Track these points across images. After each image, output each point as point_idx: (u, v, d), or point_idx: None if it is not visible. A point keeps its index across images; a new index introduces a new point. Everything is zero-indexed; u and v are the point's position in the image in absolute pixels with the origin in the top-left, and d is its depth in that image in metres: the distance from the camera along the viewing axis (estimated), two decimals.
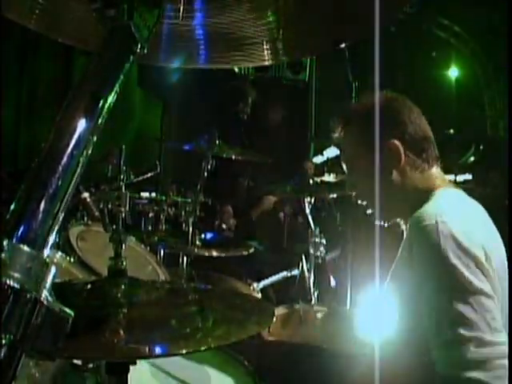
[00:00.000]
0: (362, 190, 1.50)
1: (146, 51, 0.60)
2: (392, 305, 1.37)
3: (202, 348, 0.84)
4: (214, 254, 2.84)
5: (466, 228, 1.23)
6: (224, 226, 4.06)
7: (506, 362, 1.11)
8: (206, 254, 2.70)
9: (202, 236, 2.95)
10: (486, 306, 1.14)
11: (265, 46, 0.77)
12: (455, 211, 1.28)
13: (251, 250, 2.81)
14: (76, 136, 0.53)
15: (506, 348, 1.13)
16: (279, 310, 2.31)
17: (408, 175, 1.41)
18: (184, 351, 0.81)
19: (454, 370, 1.13)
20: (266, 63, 0.82)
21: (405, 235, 1.42)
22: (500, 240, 1.31)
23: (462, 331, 1.12)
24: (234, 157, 3.15)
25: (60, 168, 0.52)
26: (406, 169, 1.40)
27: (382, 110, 1.39)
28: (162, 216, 3.25)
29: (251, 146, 4.64)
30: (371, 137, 1.39)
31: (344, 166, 1.53)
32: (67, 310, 0.50)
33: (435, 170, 1.43)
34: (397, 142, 1.39)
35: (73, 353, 0.73)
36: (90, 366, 1.16)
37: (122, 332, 0.88)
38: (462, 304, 1.13)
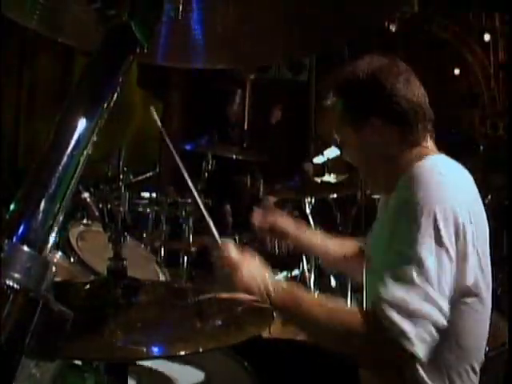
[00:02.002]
0: (354, 162, 1.47)
1: (146, 51, 0.60)
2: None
3: (201, 350, 0.84)
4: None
5: (459, 189, 1.22)
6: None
7: (433, 329, 1.09)
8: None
9: None
10: (444, 264, 1.12)
11: (264, 46, 0.77)
12: (452, 171, 1.27)
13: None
14: (76, 136, 0.53)
15: (441, 319, 1.10)
16: None
17: (395, 151, 1.34)
18: (182, 353, 0.81)
19: (382, 306, 1.10)
20: (266, 63, 0.82)
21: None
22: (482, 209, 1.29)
23: (414, 274, 1.09)
24: (234, 156, 3.16)
25: (60, 168, 0.52)
26: (391, 145, 1.33)
27: (364, 82, 1.32)
28: (162, 216, 3.25)
29: (242, 145, 4.64)
30: (352, 111, 1.35)
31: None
32: (67, 310, 0.49)
33: (426, 144, 1.35)
34: (377, 120, 1.31)
35: (72, 353, 0.73)
36: (90, 366, 1.16)
37: (120, 332, 0.88)
38: (425, 250, 1.11)
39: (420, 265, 1.10)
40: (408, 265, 1.10)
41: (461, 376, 1.23)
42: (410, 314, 1.08)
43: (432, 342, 1.10)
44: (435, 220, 1.13)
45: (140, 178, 3.13)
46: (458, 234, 1.15)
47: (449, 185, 1.20)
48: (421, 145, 1.34)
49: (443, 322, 1.11)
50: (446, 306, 1.11)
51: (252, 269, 1.24)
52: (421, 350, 1.08)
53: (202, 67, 0.88)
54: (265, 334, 2.16)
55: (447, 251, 1.13)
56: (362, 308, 1.28)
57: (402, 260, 1.12)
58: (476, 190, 1.30)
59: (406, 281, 1.09)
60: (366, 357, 1.19)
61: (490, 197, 4.24)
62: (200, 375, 1.43)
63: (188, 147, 3.15)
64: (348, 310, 1.31)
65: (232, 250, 1.26)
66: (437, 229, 1.12)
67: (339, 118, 1.40)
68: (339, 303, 1.26)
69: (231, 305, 1.09)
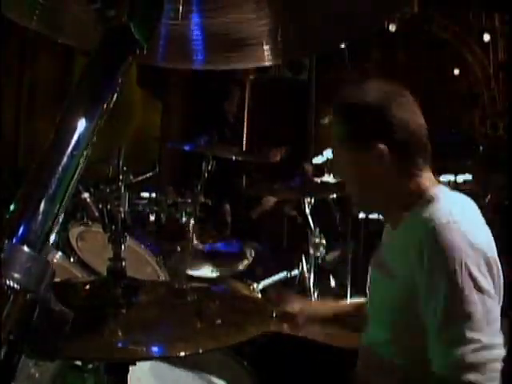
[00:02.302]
0: (348, 188, 1.46)
1: (145, 51, 0.60)
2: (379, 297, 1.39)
3: (200, 350, 0.84)
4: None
5: (475, 227, 1.23)
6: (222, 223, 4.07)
7: (499, 365, 1.12)
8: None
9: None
10: (488, 307, 1.14)
11: (264, 46, 0.77)
12: (462, 210, 1.27)
13: (245, 263, 2.82)
14: (76, 136, 0.53)
15: (501, 352, 1.14)
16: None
17: (394, 180, 1.34)
18: (182, 353, 0.81)
19: (452, 371, 1.13)
20: (266, 63, 0.82)
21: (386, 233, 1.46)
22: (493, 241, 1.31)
23: (465, 331, 1.12)
24: (234, 158, 3.16)
25: (60, 168, 0.52)
26: (391, 172, 1.34)
27: (371, 108, 1.32)
28: (162, 216, 3.25)
29: (242, 145, 4.65)
30: (357, 134, 1.35)
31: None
32: (67, 310, 0.50)
33: (426, 175, 1.35)
34: (382, 146, 1.31)
35: (72, 353, 0.73)
36: (90, 366, 1.16)
37: (120, 333, 0.88)
38: (468, 303, 1.13)
39: (470, 320, 1.13)
40: (459, 325, 1.13)
41: None
42: (473, 366, 1.11)
43: (499, 375, 1.13)
44: (469, 270, 1.14)
45: (140, 178, 3.13)
46: (490, 267, 1.18)
47: (467, 227, 1.21)
48: (422, 176, 1.35)
49: (502, 353, 1.14)
50: (499, 340, 1.15)
51: None
52: None
53: (202, 68, 0.88)
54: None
55: (488, 293, 1.15)
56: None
57: (451, 322, 1.15)
58: (479, 213, 1.32)
59: (461, 341, 1.12)
60: None
61: (489, 197, 4.24)
62: (199, 375, 1.43)
63: (187, 147, 3.15)
64: None
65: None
66: (473, 278, 1.14)
67: (341, 139, 1.40)
68: None
69: (231, 305, 1.09)
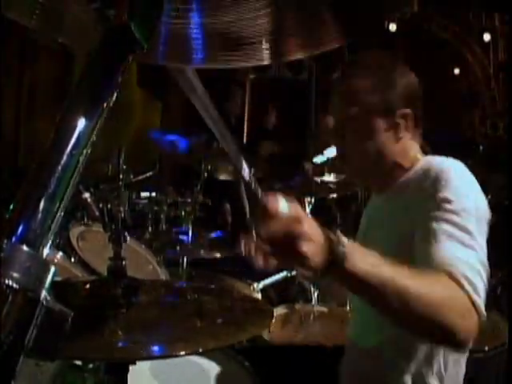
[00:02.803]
0: (353, 151, 1.43)
1: (145, 51, 0.59)
2: None
3: (200, 350, 0.84)
4: (218, 255, 2.84)
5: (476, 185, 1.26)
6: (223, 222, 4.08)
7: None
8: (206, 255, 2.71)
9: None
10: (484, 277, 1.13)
11: (264, 46, 0.77)
12: (463, 168, 1.30)
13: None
14: (75, 136, 0.53)
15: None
16: (279, 310, 2.31)
17: (403, 143, 1.37)
18: (182, 353, 0.81)
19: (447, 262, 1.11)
20: (266, 63, 0.82)
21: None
22: None
23: (469, 240, 1.13)
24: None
25: (60, 168, 0.52)
26: (387, 136, 1.36)
27: (384, 84, 1.36)
28: (162, 216, 3.25)
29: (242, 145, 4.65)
30: (386, 102, 1.36)
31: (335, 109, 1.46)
32: (67, 310, 0.50)
33: (415, 145, 1.40)
34: (408, 112, 1.35)
35: (72, 353, 0.73)
36: (90, 366, 1.16)
37: (120, 332, 0.88)
38: (473, 226, 1.15)
39: (472, 236, 1.13)
40: (463, 232, 1.13)
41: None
42: (476, 271, 1.08)
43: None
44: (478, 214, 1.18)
45: (140, 177, 3.13)
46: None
47: (471, 179, 1.26)
48: (415, 140, 1.40)
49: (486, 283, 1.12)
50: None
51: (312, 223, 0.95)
52: (483, 305, 1.07)
53: (201, 67, 0.88)
54: (265, 334, 2.16)
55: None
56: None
57: (455, 227, 1.14)
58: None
59: (465, 244, 1.12)
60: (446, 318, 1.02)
61: (489, 197, 4.24)
62: (200, 375, 1.43)
63: (188, 147, 3.15)
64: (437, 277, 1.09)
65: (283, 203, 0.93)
66: (478, 221, 1.17)
67: (368, 104, 1.37)
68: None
69: (231, 302, 1.09)
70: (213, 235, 3.19)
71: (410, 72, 1.41)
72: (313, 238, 0.91)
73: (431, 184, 1.23)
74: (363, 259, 0.95)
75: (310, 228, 0.91)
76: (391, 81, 1.37)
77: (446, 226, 1.14)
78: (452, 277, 1.05)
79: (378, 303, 1.02)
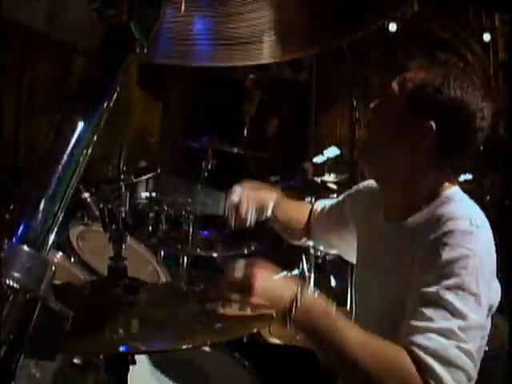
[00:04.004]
0: (371, 154, 1.33)
1: (145, 50, 0.60)
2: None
3: (201, 343, 0.84)
4: (214, 254, 2.84)
5: (491, 247, 1.17)
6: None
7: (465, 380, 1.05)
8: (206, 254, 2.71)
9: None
10: (483, 323, 1.10)
11: (264, 45, 0.77)
12: (481, 215, 1.20)
13: (252, 248, 2.82)
14: (76, 136, 0.53)
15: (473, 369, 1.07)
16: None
17: (422, 165, 1.24)
18: (184, 346, 0.81)
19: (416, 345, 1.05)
20: (266, 61, 0.82)
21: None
22: None
23: (456, 327, 1.04)
24: (235, 150, 3.15)
25: (60, 168, 0.52)
26: (424, 158, 1.23)
27: (432, 87, 1.20)
28: (162, 216, 3.25)
29: (252, 145, 4.64)
30: (409, 110, 1.23)
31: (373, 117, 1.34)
32: (67, 310, 0.50)
33: (451, 181, 1.26)
34: (432, 124, 1.19)
35: (74, 348, 0.73)
36: (90, 365, 1.16)
37: (121, 331, 0.88)
38: (471, 310, 1.06)
39: (463, 320, 1.05)
40: (452, 316, 1.05)
41: None
42: (448, 363, 1.02)
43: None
44: (477, 278, 1.08)
45: (141, 178, 3.13)
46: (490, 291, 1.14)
47: (486, 239, 1.17)
48: (447, 179, 1.26)
49: (475, 374, 1.07)
50: (478, 359, 1.08)
51: (266, 284, 1.10)
52: None
53: (202, 66, 0.88)
54: (265, 334, 2.16)
55: (483, 311, 1.10)
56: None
57: (446, 309, 1.06)
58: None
59: (447, 332, 1.04)
60: None
61: (489, 197, 4.24)
62: (200, 375, 1.43)
63: (188, 146, 3.15)
64: (390, 347, 1.07)
65: (243, 265, 1.13)
66: (477, 295, 1.07)
67: (396, 110, 1.27)
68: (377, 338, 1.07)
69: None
70: (204, 233, 3.19)
71: (468, 92, 1.21)
72: (263, 293, 1.08)
73: (438, 238, 1.13)
74: (310, 314, 1.07)
75: (261, 284, 1.09)
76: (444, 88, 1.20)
77: (432, 309, 1.06)
78: (414, 360, 1.02)
79: (321, 351, 1.13)
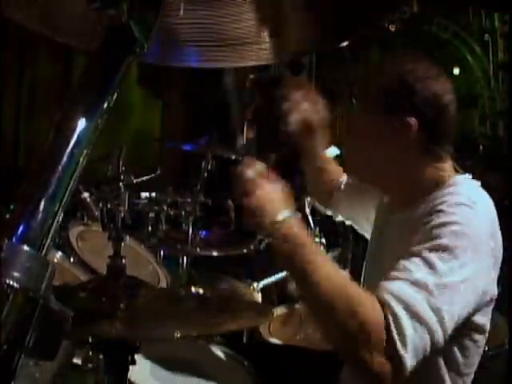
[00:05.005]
0: (358, 162, 1.37)
1: (145, 51, 0.60)
2: None
3: (198, 333, 0.84)
4: (214, 253, 2.84)
5: (494, 222, 1.20)
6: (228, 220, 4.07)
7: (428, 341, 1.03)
8: (206, 253, 2.71)
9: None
10: (467, 295, 1.08)
11: (263, 46, 0.77)
12: (484, 197, 1.23)
13: (251, 247, 2.82)
14: (76, 136, 0.53)
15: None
16: (279, 310, 2.31)
17: (414, 161, 1.26)
18: (180, 334, 0.81)
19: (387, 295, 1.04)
20: (265, 63, 0.82)
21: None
22: None
23: (431, 282, 1.04)
24: (233, 157, 3.16)
25: (60, 168, 0.52)
26: (414, 152, 1.25)
27: (399, 81, 1.24)
28: (161, 216, 3.25)
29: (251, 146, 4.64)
30: (385, 109, 1.26)
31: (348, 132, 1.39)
32: (67, 310, 0.50)
33: (448, 162, 1.28)
34: (412, 120, 1.22)
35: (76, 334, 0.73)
36: (90, 365, 1.16)
37: (121, 327, 0.88)
38: (453, 273, 1.06)
39: (440, 278, 1.04)
40: (431, 272, 1.05)
41: None
42: (414, 315, 1.01)
43: (422, 357, 1.02)
44: (465, 246, 1.08)
45: (141, 179, 3.13)
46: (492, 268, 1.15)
47: (485, 215, 1.18)
48: (444, 162, 1.27)
49: (441, 341, 1.04)
50: (449, 328, 1.05)
51: (267, 194, 1.12)
52: (410, 359, 1.00)
53: (201, 67, 0.88)
54: (265, 334, 2.16)
55: (469, 282, 1.08)
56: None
57: (424, 264, 1.06)
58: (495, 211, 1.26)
59: (421, 285, 1.03)
60: (352, 344, 1.02)
61: (490, 197, 4.23)
62: (200, 375, 1.43)
63: (188, 147, 3.15)
64: (363, 294, 1.07)
65: (253, 168, 1.14)
66: (463, 262, 1.07)
67: (368, 111, 1.31)
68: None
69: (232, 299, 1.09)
70: (203, 233, 3.19)
71: (438, 81, 1.26)
72: (260, 200, 1.10)
73: (434, 207, 1.15)
74: (289, 238, 1.07)
75: (262, 193, 1.10)
76: (407, 82, 1.24)
77: (412, 263, 1.06)
78: (383, 307, 1.02)
79: (295, 280, 1.12)
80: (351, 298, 1.03)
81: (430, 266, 1.05)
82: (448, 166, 1.28)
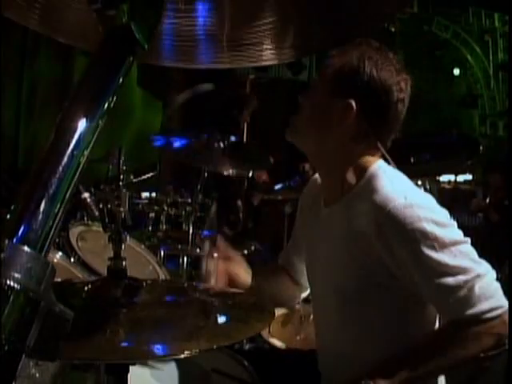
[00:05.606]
0: (302, 135, 1.42)
1: (146, 51, 0.60)
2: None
3: (204, 348, 0.83)
4: (215, 254, 2.83)
5: (431, 200, 1.28)
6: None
7: (494, 283, 1.22)
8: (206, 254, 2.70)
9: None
10: (468, 249, 1.22)
11: (264, 46, 0.77)
12: (407, 184, 1.31)
13: (252, 248, 2.82)
14: (76, 136, 0.53)
15: (490, 273, 1.23)
16: (279, 310, 2.31)
17: (349, 140, 1.33)
18: (185, 353, 0.81)
19: (460, 313, 1.20)
20: (267, 63, 0.82)
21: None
22: None
23: (462, 278, 1.18)
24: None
25: (60, 168, 0.52)
26: (351, 135, 1.32)
27: (349, 69, 1.30)
28: (162, 216, 3.25)
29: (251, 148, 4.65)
30: (330, 92, 1.33)
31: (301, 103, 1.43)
32: (67, 311, 0.50)
33: (376, 154, 1.35)
34: (351, 102, 1.29)
35: (72, 354, 0.73)
36: (90, 365, 1.16)
37: (122, 332, 0.88)
38: (450, 257, 1.19)
39: (460, 270, 1.19)
40: (440, 252, 1.18)
41: None
42: (486, 297, 1.19)
43: (498, 290, 1.21)
44: (428, 233, 1.19)
45: (141, 178, 3.13)
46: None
47: (424, 202, 1.26)
48: (376, 154, 1.35)
49: (492, 274, 1.22)
50: (484, 266, 1.22)
51: None
52: (502, 301, 1.20)
53: (202, 68, 0.88)
54: (265, 334, 2.16)
55: (454, 242, 1.21)
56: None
57: (432, 253, 1.18)
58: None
59: (465, 280, 1.18)
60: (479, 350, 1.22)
61: (489, 197, 4.24)
62: (200, 375, 1.43)
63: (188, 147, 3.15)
64: (443, 331, 1.33)
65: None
66: (433, 238, 1.19)
67: (318, 92, 1.37)
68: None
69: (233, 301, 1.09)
70: (204, 233, 3.18)
71: (394, 76, 1.32)
72: None
73: (385, 223, 1.22)
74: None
75: None
76: (354, 66, 1.30)
77: (429, 264, 1.19)
78: (451, 321, 1.24)
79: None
80: (449, 340, 1.25)
81: (435, 247, 1.18)
82: (375, 156, 1.35)
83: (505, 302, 1.19)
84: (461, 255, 1.19)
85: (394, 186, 1.27)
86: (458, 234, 1.24)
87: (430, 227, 1.18)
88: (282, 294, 1.73)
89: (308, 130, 1.39)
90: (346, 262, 1.29)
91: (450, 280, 1.17)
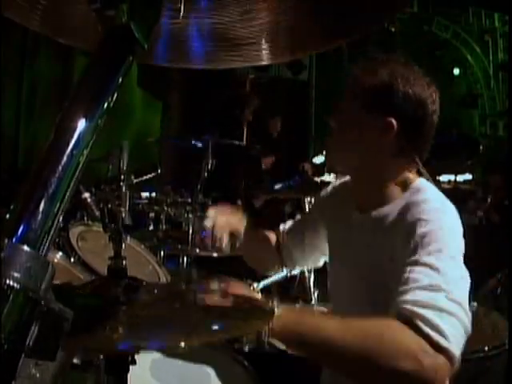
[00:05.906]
0: (341, 158, 1.41)
1: (146, 51, 0.60)
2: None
3: (201, 342, 0.83)
4: (214, 254, 2.84)
5: (459, 224, 1.23)
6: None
7: (461, 328, 1.06)
8: (206, 253, 2.71)
9: None
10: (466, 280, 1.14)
11: (263, 46, 0.77)
12: (448, 201, 1.28)
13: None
14: (76, 136, 0.53)
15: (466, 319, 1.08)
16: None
17: (389, 158, 1.32)
18: (183, 344, 0.81)
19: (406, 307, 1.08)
20: (265, 63, 0.82)
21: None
22: None
23: (441, 282, 1.08)
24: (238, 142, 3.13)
25: (60, 168, 0.52)
26: (391, 152, 1.31)
27: (379, 83, 1.29)
28: (162, 216, 3.25)
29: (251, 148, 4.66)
30: (366, 110, 1.31)
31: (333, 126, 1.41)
32: (67, 310, 0.50)
33: (414, 170, 1.34)
34: (392, 120, 1.28)
35: (72, 349, 0.73)
36: (90, 365, 1.16)
37: (121, 330, 0.88)
38: (450, 266, 1.11)
39: (447, 276, 1.09)
40: (436, 274, 1.09)
41: None
42: (439, 310, 1.04)
43: (461, 345, 1.05)
44: (449, 244, 1.15)
45: (142, 178, 3.13)
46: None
47: (456, 220, 1.23)
48: (415, 167, 1.34)
49: (469, 328, 1.07)
50: (469, 316, 1.08)
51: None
52: (456, 348, 1.02)
53: (201, 68, 0.88)
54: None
55: (463, 269, 1.15)
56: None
57: (430, 268, 1.10)
58: None
59: (433, 287, 1.07)
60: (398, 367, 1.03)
61: (490, 197, 4.24)
62: (200, 375, 1.43)
63: (188, 146, 3.16)
64: (373, 321, 1.11)
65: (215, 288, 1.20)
66: (455, 257, 1.14)
67: (352, 113, 1.35)
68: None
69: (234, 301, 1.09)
70: (204, 233, 3.19)
71: (426, 89, 1.32)
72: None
73: (413, 217, 1.20)
74: (285, 324, 1.08)
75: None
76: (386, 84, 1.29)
77: (417, 272, 1.11)
78: (403, 320, 1.04)
79: (311, 357, 1.17)
80: (373, 334, 1.06)
81: (433, 268, 1.10)
82: (413, 172, 1.35)
83: (456, 352, 1.02)
84: (458, 288, 1.09)
85: (436, 195, 1.27)
86: (463, 271, 1.15)
87: (447, 243, 1.15)
88: (263, 261, 1.81)
89: (346, 152, 1.38)
90: (383, 266, 1.26)
91: (423, 281, 1.08)
